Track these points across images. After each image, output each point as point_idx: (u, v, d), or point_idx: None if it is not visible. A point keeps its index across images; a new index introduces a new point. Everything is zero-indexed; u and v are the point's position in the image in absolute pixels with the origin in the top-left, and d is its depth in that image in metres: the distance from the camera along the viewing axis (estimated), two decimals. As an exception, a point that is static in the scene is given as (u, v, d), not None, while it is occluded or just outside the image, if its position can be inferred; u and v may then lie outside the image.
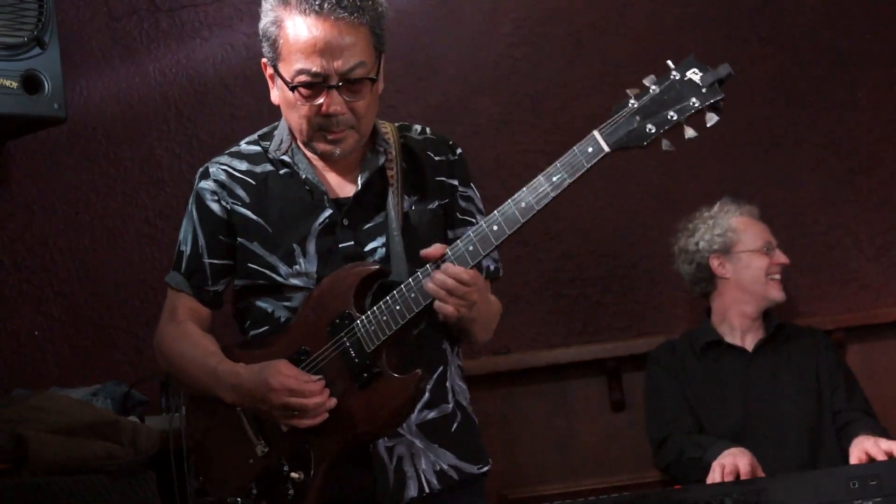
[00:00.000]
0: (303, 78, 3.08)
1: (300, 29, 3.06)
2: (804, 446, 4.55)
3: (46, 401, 4.18)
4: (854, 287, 5.30)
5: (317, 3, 3.04)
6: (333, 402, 3.07)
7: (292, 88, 3.10)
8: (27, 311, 4.88)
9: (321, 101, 3.09)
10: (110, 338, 4.92)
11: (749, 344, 4.76)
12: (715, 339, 4.77)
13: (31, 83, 4.30)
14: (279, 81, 3.16)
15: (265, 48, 3.17)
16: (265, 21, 3.14)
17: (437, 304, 3.03)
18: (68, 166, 4.96)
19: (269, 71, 3.20)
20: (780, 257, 4.76)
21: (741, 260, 4.79)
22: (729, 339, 4.77)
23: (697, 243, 4.84)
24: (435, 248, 3.06)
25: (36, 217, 4.91)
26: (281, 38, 3.10)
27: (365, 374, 3.08)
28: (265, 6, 3.16)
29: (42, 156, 4.92)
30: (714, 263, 4.81)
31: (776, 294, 4.75)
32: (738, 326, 4.78)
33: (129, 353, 4.91)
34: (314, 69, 3.06)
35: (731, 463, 4.21)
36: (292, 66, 3.09)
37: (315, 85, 3.09)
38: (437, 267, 3.03)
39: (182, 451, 3.47)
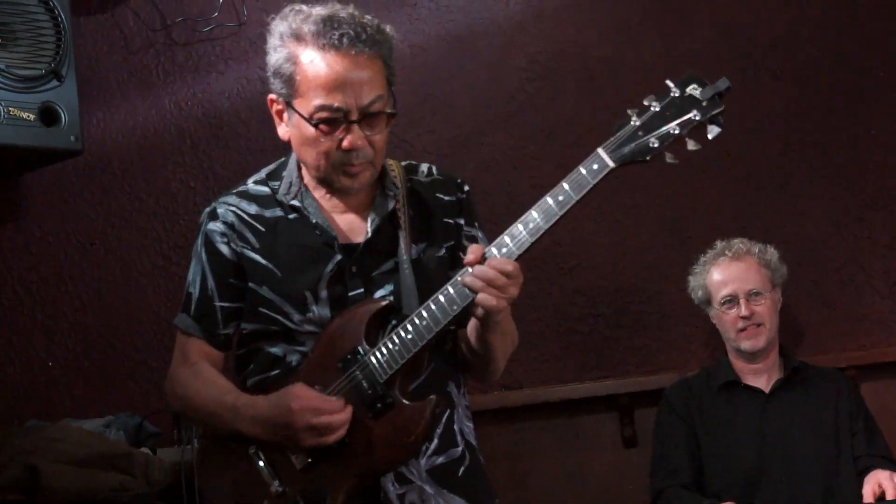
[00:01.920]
0: (324, 114, 3.06)
1: (319, 65, 3.04)
2: (819, 490, 4.52)
3: (59, 432, 4.19)
4: (867, 324, 5.29)
5: (335, 38, 3.02)
6: (349, 413, 3.05)
7: (314, 125, 3.08)
8: (41, 341, 4.89)
9: (341, 136, 3.07)
10: (124, 369, 4.92)
11: (766, 384, 4.74)
12: (732, 378, 4.75)
13: (48, 115, 4.33)
14: (294, 117, 3.13)
15: (277, 84, 3.14)
16: (277, 57, 3.12)
17: (478, 297, 2.99)
18: (84, 198, 4.97)
19: (279, 107, 3.18)
20: (742, 309, 4.71)
21: (717, 314, 4.82)
22: (746, 379, 4.75)
23: (692, 296, 4.90)
24: (475, 250, 3.04)
25: (51, 248, 4.92)
26: (298, 75, 3.08)
27: (378, 405, 3.06)
28: (273, 42, 3.14)
29: (58, 188, 4.93)
30: (710, 316, 4.86)
31: (746, 345, 4.72)
32: (747, 370, 4.76)
33: (143, 384, 4.91)
34: (335, 105, 3.04)
35: None
36: (311, 102, 3.06)
37: (335, 120, 3.06)
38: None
39: (194, 483, 3.45)
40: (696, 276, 4.87)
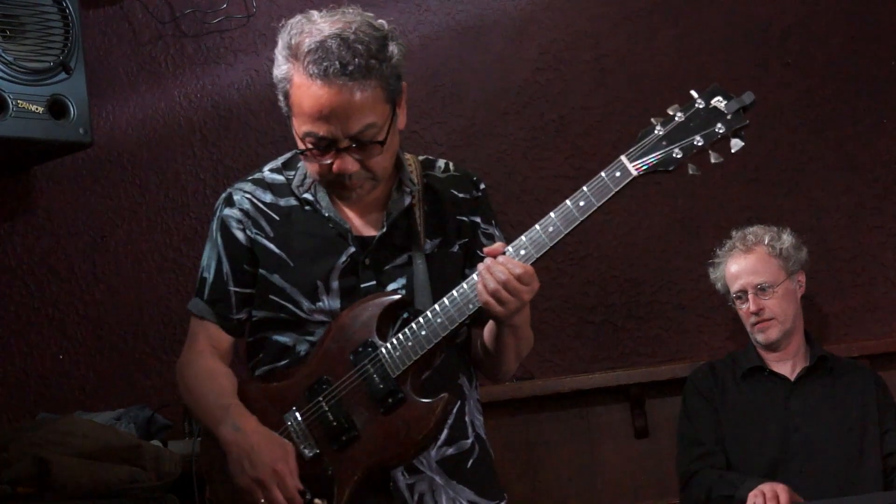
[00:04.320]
0: (311, 140, 3.04)
1: (306, 93, 3.00)
2: (840, 482, 4.48)
3: (71, 425, 4.20)
4: (880, 313, 5.27)
5: (321, 68, 2.96)
6: None
7: (302, 151, 3.08)
8: (52, 335, 4.89)
9: (331, 160, 3.05)
10: (134, 362, 4.93)
11: (791, 372, 4.71)
12: (757, 364, 4.73)
13: (57, 108, 4.33)
14: (293, 131, 3.12)
15: (279, 97, 3.12)
16: (278, 72, 3.09)
17: (483, 297, 2.98)
18: (93, 191, 4.97)
19: (285, 113, 3.15)
20: (751, 305, 4.68)
21: (734, 307, 4.81)
22: (771, 365, 4.73)
23: (715, 287, 4.86)
24: (497, 246, 3.04)
25: (61, 241, 4.92)
26: (291, 96, 3.05)
27: (389, 400, 3.05)
28: (278, 53, 3.09)
29: (67, 181, 4.94)
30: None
31: (760, 338, 4.69)
32: (771, 357, 4.74)
33: (153, 377, 4.91)
34: (321, 133, 3.01)
35: (771, 489, 4.18)
36: (301, 126, 3.04)
37: (324, 146, 3.04)
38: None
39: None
40: (716, 267, 4.83)
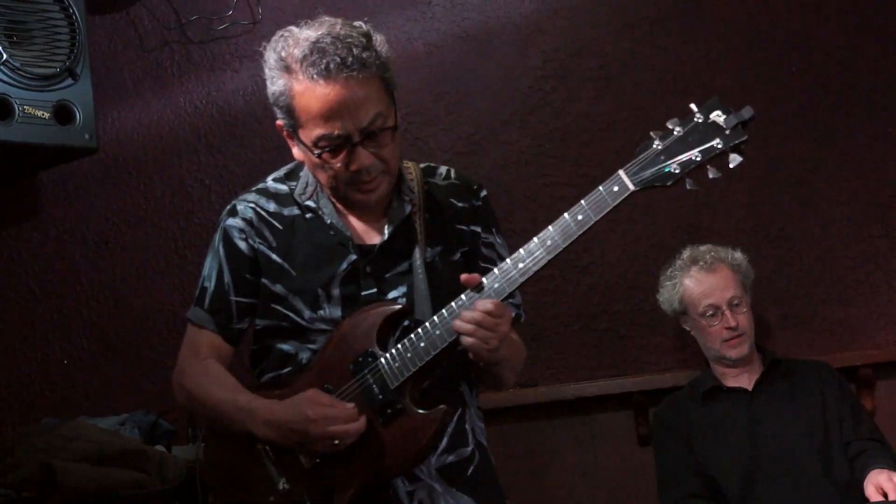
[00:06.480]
0: (325, 143, 3.05)
1: (312, 96, 3.02)
2: (817, 479, 4.51)
3: (75, 430, 4.20)
4: (884, 322, 5.27)
5: (322, 67, 2.99)
6: (363, 422, 3.05)
7: (318, 155, 3.08)
8: (57, 339, 4.90)
9: (348, 159, 3.07)
10: (139, 367, 4.93)
11: (748, 383, 4.74)
12: (715, 384, 4.75)
13: (63, 114, 4.34)
14: (301, 145, 3.13)
15: (280, 114, 3.13)
16: (274, 89, 3.10)
17: (466, 340, 2.99)
18: (99, 196, 4.98)
19: (287, 132, 3.17)
20: (728, 320, 4.70)
21: (696, 325, 4.82)
22: (728, 381, 4.75)
23: (663, 302, 4.89)
24: (472, 276, 3.04)
25: (66, 246, 4.93)
26: (295, 107, 3.06)
27: (389, 411, 3.06)
28: (269, 73, 3.11)
29: (73, 186, 4.94)
30: (681, 323, 4.88)
31: (733, 354, 4.72)
32: (728, 374, 4.76)
33: (158, 382, 4.91)
34: (335, 132, 3.03)
35: None
36: (312, 132, 3.05)
37: (338, 146, 3.05)
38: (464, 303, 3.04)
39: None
40: (666, 288, 4.86)
